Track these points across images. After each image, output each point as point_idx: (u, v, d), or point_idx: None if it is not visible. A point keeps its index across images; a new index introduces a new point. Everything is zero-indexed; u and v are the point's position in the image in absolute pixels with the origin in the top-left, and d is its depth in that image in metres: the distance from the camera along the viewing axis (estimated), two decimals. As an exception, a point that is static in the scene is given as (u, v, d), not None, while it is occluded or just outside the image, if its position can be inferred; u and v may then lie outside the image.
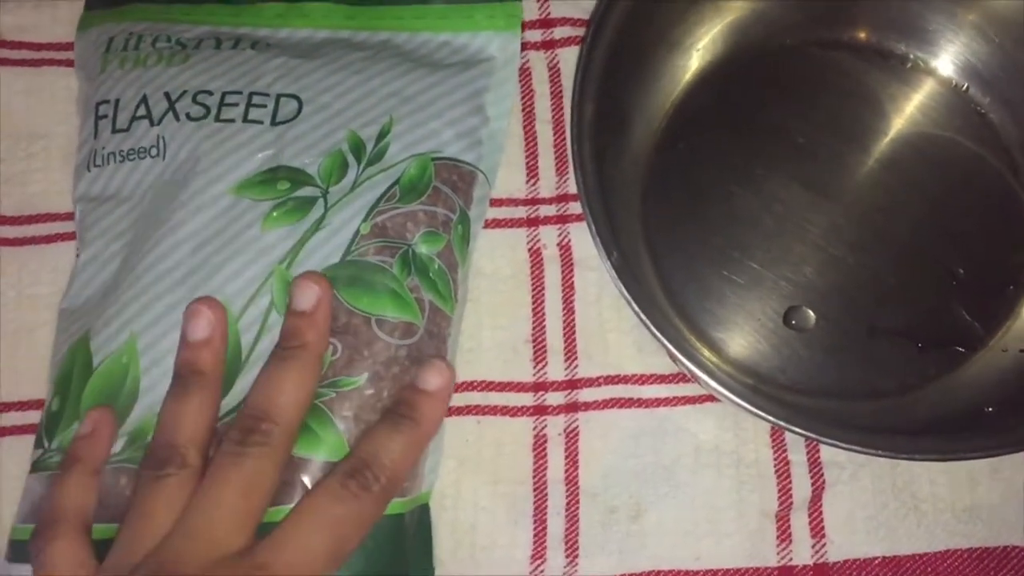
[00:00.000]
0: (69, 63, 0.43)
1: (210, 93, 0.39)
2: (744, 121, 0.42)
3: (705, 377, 0.32)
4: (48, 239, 0.42)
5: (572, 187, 0.41)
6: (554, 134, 0.42)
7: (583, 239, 0.41)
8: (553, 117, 0.43)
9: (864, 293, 0.40)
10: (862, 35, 0.42)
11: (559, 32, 0.43)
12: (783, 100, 0.42)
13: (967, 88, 0.42)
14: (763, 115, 0.42)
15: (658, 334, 0.32)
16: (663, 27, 0.40)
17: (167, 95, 0.39)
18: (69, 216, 0.42)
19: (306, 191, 0.37)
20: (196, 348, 0.35)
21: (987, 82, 0.41)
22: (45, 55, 0.44)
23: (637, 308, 0.32)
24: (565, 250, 0.41)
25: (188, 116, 0.38)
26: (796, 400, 0.39)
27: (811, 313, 0.40)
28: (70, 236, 0.41)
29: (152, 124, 0.39)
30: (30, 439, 0.37)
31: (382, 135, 0.38)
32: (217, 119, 0.38)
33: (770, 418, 0.32)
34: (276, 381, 0.34)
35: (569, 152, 0.33)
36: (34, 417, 0.38)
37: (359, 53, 0.40)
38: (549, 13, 0.44)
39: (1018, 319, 0.39)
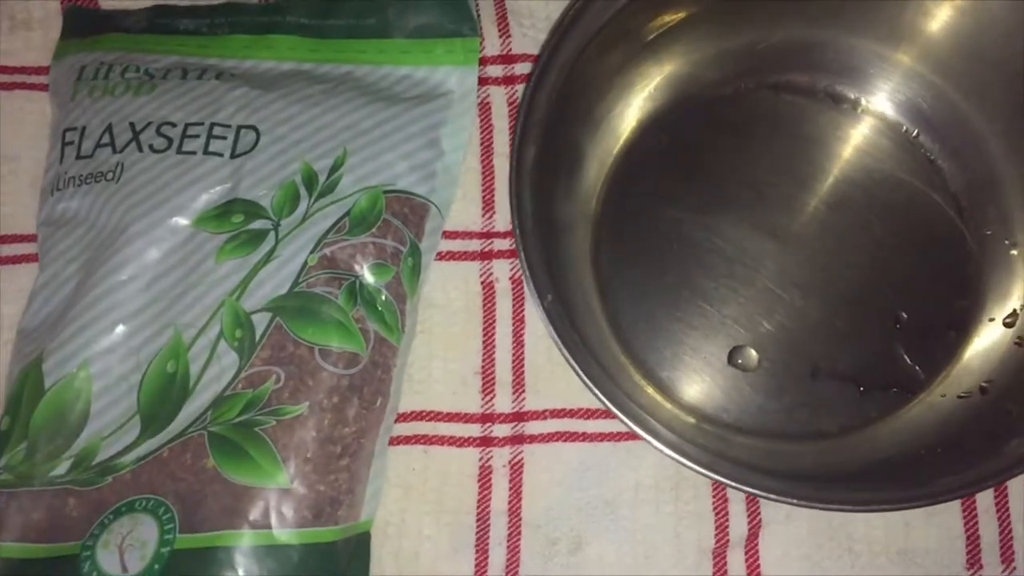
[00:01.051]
0: (42, 87, 0.44)
1: (173, 125, 0.40)
2: (696, 162, 0.42)
3: (627, 420, 0.33)
4: (15, 260, 0.43)
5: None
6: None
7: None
8: (511, 152, 0.43)
9: (809, 335, 0.40)
10: (814, 79, 0.43)
11: (519, 68, 0.44)
12: (736, 142, 0.43)
13: (916, 134, 0.42)
14: (715, 156, 0.42)
15: (587, 381, 0.33)
16: (613, 69, 0.41)
17: (132, 125, 0.40)
18: (36, 238, 0.42)
19: (259, 223, 0.38)
20: None
21: (935, 128, 0.42)
22: (17, 79, 0.45)
23: (567, 353, 0.33)
24: (517, 284, 0.42)
25: (151, 148, 0.39)
26: (739, 440, 0.39)
27: (755, 353, 0.40)
28: (36, 258, 0.42)
29: (114, 152, 0.40)
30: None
31: (335, 167, 0.39)
32: (179, 151, 0.39)
33: (691, 465, 0.33)
34: None
35: (508, 195, 0.33)
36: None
37: (319, 86, 0.41)
38: (510, 49, 0.44)
39: (958, 364, 0.40)
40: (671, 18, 0.40)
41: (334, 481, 0.36)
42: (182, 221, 0.38)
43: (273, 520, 0.35)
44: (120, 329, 0.37)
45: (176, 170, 0.39)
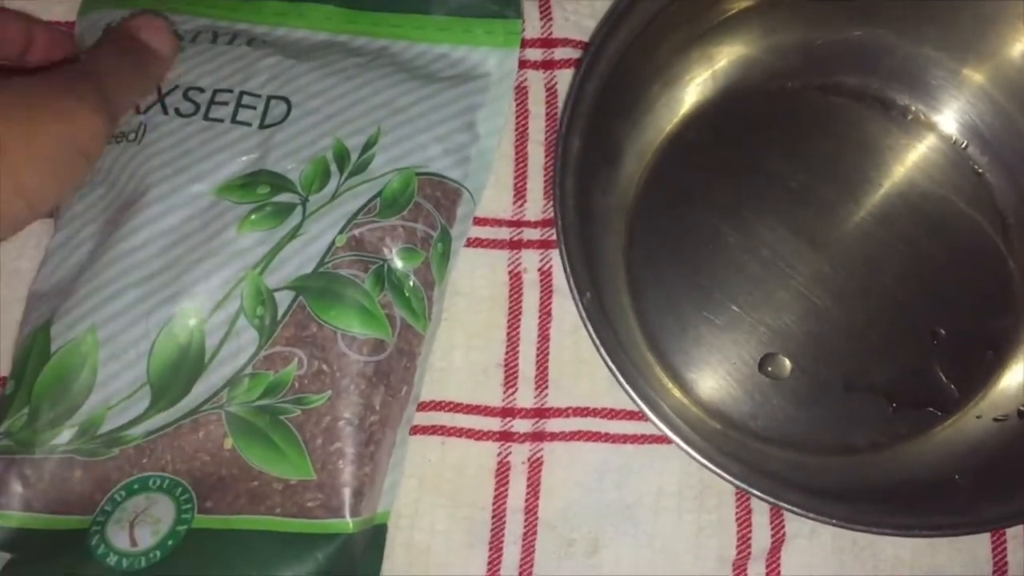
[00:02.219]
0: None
1: (201, 90, 0.38)
2: (737, 161, 0.41)
3: (666, 429, 0.32)
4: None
5: (558, 213, 0.40)
6: (546, 156, 0.42)
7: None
8: (546, 139, 0.42)
9: (843, 346, 0.39)
10: (865, 83, 0.41)
11: (559, 53, 0.43)
12: (779, 142, 0.41)
13: (966, 146, 0.41)
14: (757, 156, 0.41)
15: (625, 384, 0.32)
16: (661, 61, 0.39)
17: (158, 89, 0.38)
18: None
19: (285, 197, 0.37)
20: None
21: (987, 142, 0.41)
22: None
23: (605, 353, 0.32)
24: (546, 276, 0.41)
25: (177, 111, 0.38)
26: (765, 449, 0.39)
27: (787, 362, 0.39)
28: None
29: (137, 111, 0.38)
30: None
31: (368, 145, 0.38)
32: (206, 117, 0.38)
33: (726, 476, 0.32)
34: None
35: (546, 185, 0.32)
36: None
37: (354, 59, 0.40)
38: (551, 33, 0.43)
39: (995, 386, 0.39)
40: (722, 12, 0.39)
41: (358, 472, 0.35)
42: (203, 188, 0.37)
43: (294, 509, 0.34)
44: (130, 294, 0.35)
45: (201, 136, 0.37)
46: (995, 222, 0.41)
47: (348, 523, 0.34)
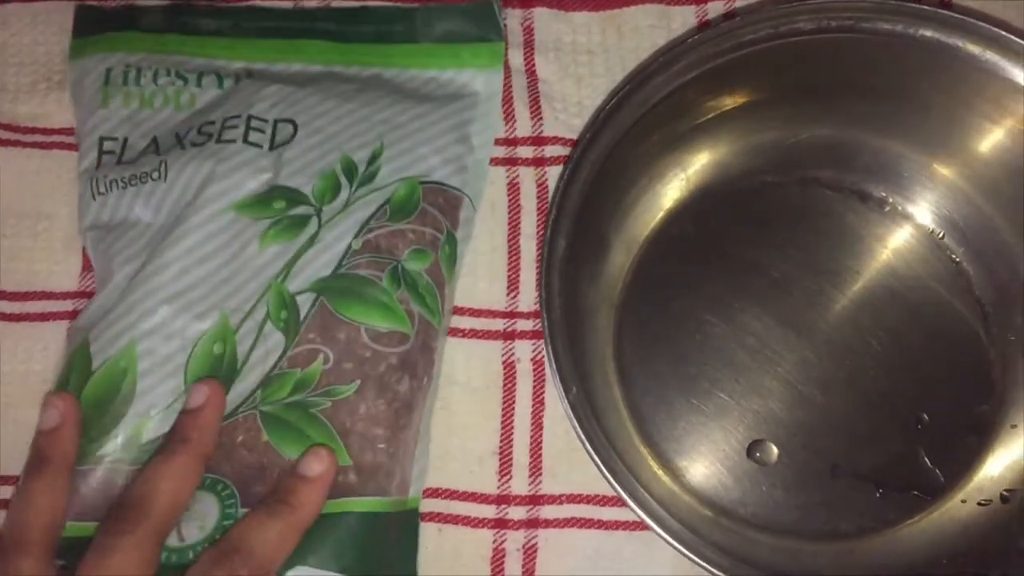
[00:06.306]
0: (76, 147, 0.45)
1: (212, 122, 0.41)
2: (722, 253, 0.43)
3: (645, 517, 0.33)
4: (43, 317, 0.43)
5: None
6: (537, 250, 0.43)
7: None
8: (538, 233, 0.44)
9: (829, 432, 0.40)
10: (841, 177, 0.43)
11: (549, 150, 0.45)
12: (761, 234, 0.43)
13: (943, 236, 0.43)
14: (741, 248, 0.43)
15: (607, 474, 0.33)
16: (645, 161, 0.41)
17: (177, 135, 0.42)
18: (64, 295, 0.43)
19: (301, 210, 0.39)
20: (45, 436, 0.36)
21: (963, 233, 0.42)
22: (55, 139, 0.45)
23: (589, 446, 0.33)
24: (538, 366, 0.42)
25: (192, 143, 0.41)
26: (756, 536, 0.39)
27: (774, 448, 0.40)
28: (64, 315, 0.43)
29: (158, 154, 0.41)
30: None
31: (373, 158, 0.40)
32: (218, 141, 0.40)
33: (709, 567, 0.32)
34: (154, 471, 0.35)
35: (534, 279, 0.33)
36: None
37: (350, 85, 0.43)
38: (542, 131, 0.45)
39: (979, 471, 0.40)
40: (704, 113, 0.41)
41: (389, 453, 0.37)
42: (223, 206, 0.39)
43: (333, 492, 0.36)
44: (163, 310, 0.38)
45: (218, 156, 0.40)
46: (974, 310, 0.42)
47: (383, 501, 0.37)
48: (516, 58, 0.46)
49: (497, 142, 0.45)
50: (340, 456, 0.37)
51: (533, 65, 0.46)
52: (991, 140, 0.40)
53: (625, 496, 0.33)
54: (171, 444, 0.36)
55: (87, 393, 0.37)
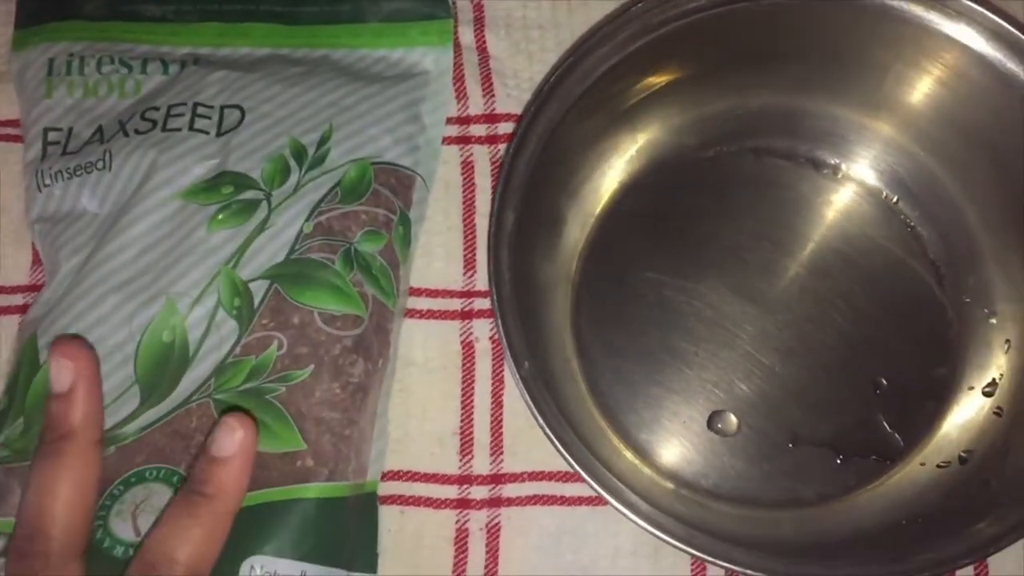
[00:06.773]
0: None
1: (156, 109, 0.41)
2: (676, 225, 0.42)
3: (601, 491, 0.33)
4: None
5: (506, 282, 0.42)
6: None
7: (514, 335, 0.41)
8: (492, 211, 0.43)
9: (788, 401, 0.40)
10: (794, 144, 0.43)
11: (503, 127, 0.44)
12: (716, 205, 0.43)
13: (897, 200, 0.43)
14: (696, 220, 0.42)
15: (561, 448, 0.33)
16: (593, 134, 0.41)
17: (120, 122, 0.41)
18: (14, 290, 0.42)
19: (250, 194, 0.39)
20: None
21: (914, 196, 0.42)
22: (1, 131, 0.44)
23: (541, 420, 0.33)
24: (496, 344, 0.42)
25: (136, 131, 0.40)
26: (718, 507, 0.39)
27: (734, 419, 0.40)
28: (15, 310, 0.42)
29: (102, 143, 0.40)
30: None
31: (323, 141, 0.40)
32: (163, 129, 0.40)
33: (663, 536, 0.32)
34: (47, 485, 0.31)
35: (488, 263, 0.33)
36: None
37: (298, 68, 0.42)
38: (494, 109, 0.45)
39: (937, 433, 0.40)
40: (651, 85, 0.41)
41: (345, 437, 0.37)
42: (170, 193, 0.39)
43: (289, 478, 0.36)
44: (110, 300, 0.37)
45: (163, 145, 0.39)
46: (930, 272, 0.42)
47: (341, 486, 0.36)
48: (467, 35, 0.45)
49: (449, 120, 0.44)
50: (295, 442, 0.36)
51: (484, 42, 0.45)
52: (920, 90, 0.40)
53: (579, 470, 0.33)
54: (54, 442, 0.33)
55: (34, 388, 0.37)
